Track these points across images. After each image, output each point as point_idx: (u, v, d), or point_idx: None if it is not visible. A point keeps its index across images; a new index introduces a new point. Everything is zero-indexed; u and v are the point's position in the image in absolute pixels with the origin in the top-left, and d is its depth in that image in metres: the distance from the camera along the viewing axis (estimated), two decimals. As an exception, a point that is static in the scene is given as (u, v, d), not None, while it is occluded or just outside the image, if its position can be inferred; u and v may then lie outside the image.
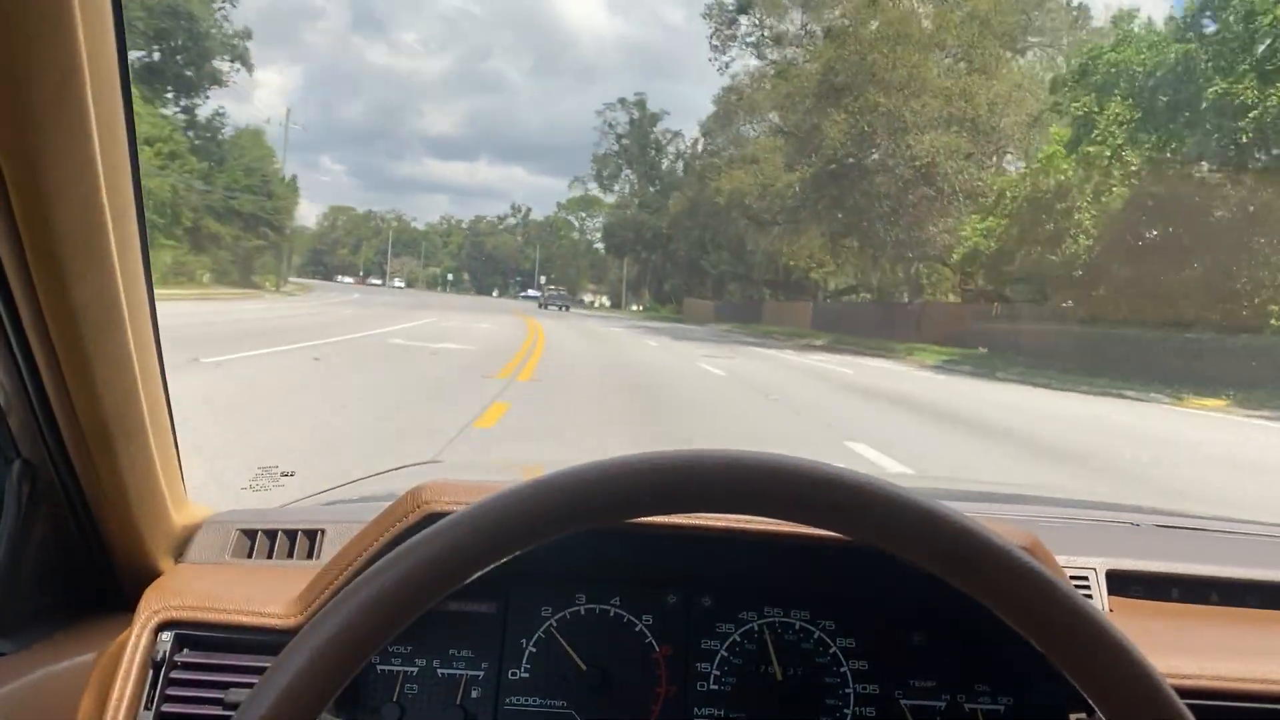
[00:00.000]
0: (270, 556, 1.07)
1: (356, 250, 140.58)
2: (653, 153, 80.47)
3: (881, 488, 0.56)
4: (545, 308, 62.75)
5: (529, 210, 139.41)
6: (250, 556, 1.07)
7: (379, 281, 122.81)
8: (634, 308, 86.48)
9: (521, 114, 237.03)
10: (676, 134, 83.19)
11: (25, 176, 0.60)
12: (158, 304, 0.86)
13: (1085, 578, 1.08)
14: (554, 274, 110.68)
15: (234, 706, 0.87)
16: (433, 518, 0.85)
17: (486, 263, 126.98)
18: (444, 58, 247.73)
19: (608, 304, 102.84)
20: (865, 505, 0.56)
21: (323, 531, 1.07)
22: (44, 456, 0.82)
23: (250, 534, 1.08)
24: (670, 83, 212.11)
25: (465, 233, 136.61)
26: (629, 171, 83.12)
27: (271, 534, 1.08)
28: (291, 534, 1.08)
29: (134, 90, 0.74)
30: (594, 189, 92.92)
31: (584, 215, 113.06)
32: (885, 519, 0.56)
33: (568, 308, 67.03)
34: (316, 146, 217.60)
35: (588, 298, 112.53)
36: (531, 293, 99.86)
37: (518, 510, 0.56)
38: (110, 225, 0.68)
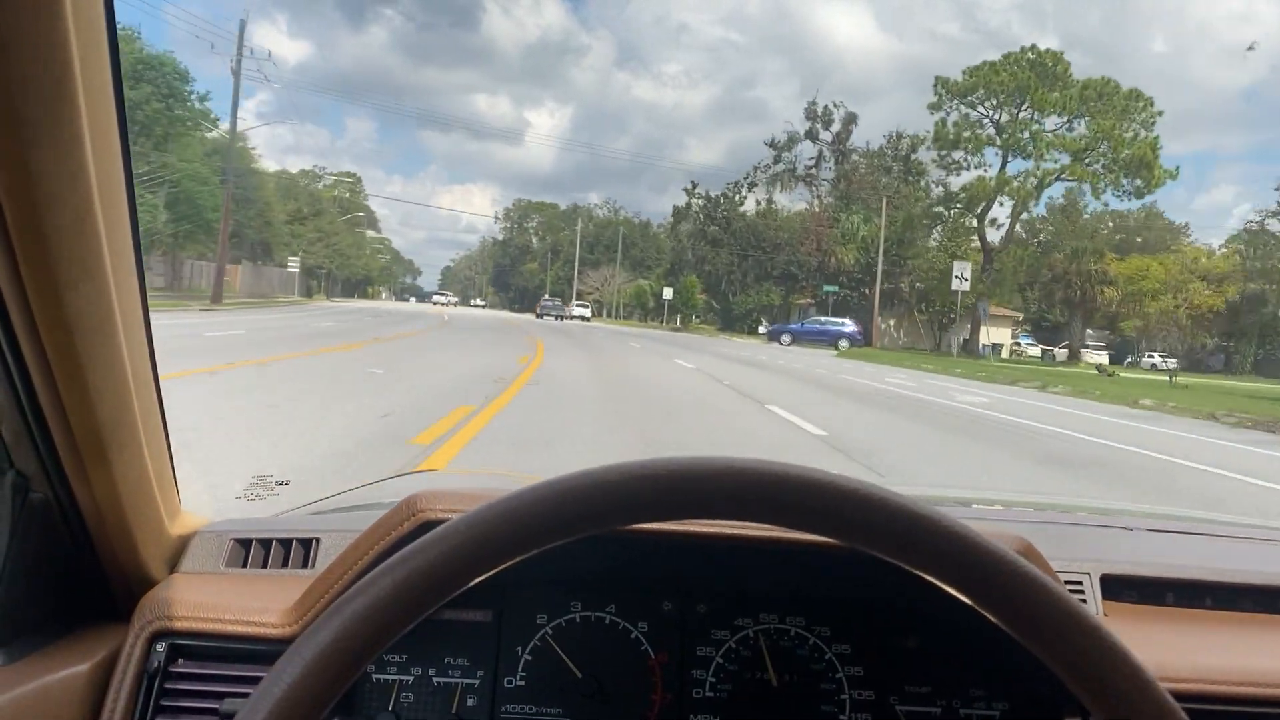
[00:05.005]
0: (265, 566, 1.07)
1: (550, 263, 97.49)
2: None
3: (874, 492, 0.56)
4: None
5: (850, 122, 60.83)
6: (245, 566, 1.06)
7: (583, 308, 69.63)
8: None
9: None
10: None
11: (17, 184, 0.60)
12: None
13: (1079, 582, 1.08)
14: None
15: (229, 717, 0.87)
16: (427, 526, 0.85)
17: (756, 259, 59.30)
18: (707, 88, 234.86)
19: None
20: (858, 510, 0.56)
21: (317, 540, 1.07)
22: (37, 467, 0.81)
23: (245, 543, 1.07)
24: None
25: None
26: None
27: (266, 543, 1.08)
28: (286, 543, 1.08)
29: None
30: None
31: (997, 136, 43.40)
32: (878, 524, 0.56)
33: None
34: (585, 184, 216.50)
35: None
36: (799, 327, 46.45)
37: (513, 518, 0.56)
38: (103, 233, 0.68)
